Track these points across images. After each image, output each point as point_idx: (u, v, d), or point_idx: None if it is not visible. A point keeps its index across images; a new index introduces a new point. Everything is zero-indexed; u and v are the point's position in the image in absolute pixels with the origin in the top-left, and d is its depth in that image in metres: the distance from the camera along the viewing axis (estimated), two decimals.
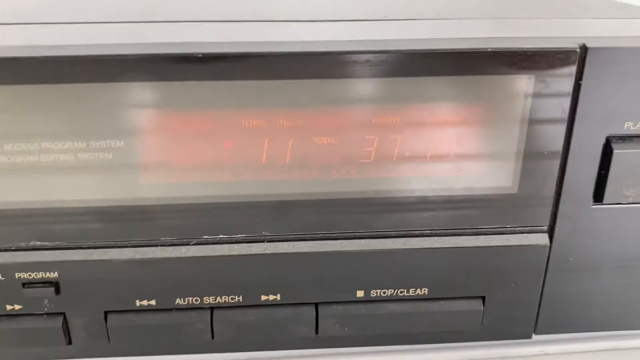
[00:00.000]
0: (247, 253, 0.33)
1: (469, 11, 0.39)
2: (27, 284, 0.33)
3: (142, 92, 0.30)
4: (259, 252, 0.33)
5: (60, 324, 0.34)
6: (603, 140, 0.32)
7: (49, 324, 0.34)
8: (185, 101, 0.30)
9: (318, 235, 0.34)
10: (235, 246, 0.33)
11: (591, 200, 0.34)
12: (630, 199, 0.33)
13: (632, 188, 0.33)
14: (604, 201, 0.33)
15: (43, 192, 0.31)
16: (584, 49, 0.30)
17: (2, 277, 0.33)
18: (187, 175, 0.32)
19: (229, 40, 0.30)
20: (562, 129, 0.32)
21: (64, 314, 0.34)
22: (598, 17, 0.38)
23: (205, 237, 0.33)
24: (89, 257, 0.33)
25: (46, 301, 0.34)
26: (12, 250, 0.33)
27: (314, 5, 0.41)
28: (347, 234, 0.34)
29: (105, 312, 0.34)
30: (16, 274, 0.33)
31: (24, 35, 0.32)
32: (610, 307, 0.37)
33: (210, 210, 0.32)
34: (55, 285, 0.33)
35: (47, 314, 0.34)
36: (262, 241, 0.33)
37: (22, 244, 0.32)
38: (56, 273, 0.33)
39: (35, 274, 0.33)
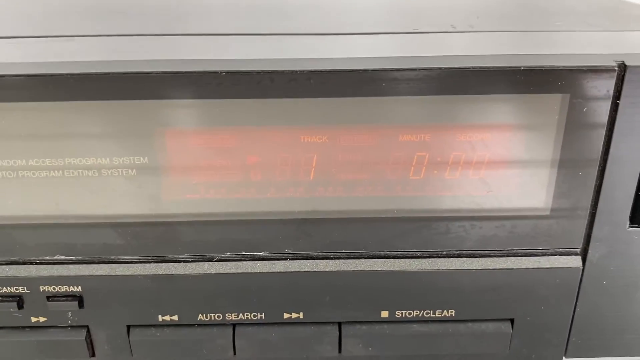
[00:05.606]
0: (270, 271, 0.33)
1: (500, 22, 0.38)
2: (51, 297, 0.33)
3: (167, 108, 0.30)
4: (281, 269, 0.33)
5: (84, 337, 0.34)
6: None
7: (73, 336, 0.34)
8: (209, 118, 0.30)
9: (342, 254, 0.33)
10: (258, 263, 0.33)
11: (627, 222, 0.32)
12: None
13: None
14: None
15: (67, 207, 0.31)
16: (623, 66, 0.29)
17: (27, 289, 0.33)
18: (209, 191, 0.31)
19: (251, 57, 0.30)
20: (598, 149, 0.31)
21: (87, 327, 0.34)
22: None
23: (228, 253, 0.33)
24: (112, 272, 0.33)
25: (70, 314, 0.34)
26: (36, 263, 0.33)
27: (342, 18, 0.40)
28: (372, 253, 0.33)
29: (128, 326, 0.34)
30: (41, 287, 0.33)
31: (51, 51, 0.31)
32: None
33: (233, 227, 0.32)
34: (79, 299, 0.33)
35: (71, 326, 0.34)
36: (285, 259, 0.33)
37: (47, 258, 0.33)
38: (80, 287, 0.33)
39: (60, 288, 0.33)
